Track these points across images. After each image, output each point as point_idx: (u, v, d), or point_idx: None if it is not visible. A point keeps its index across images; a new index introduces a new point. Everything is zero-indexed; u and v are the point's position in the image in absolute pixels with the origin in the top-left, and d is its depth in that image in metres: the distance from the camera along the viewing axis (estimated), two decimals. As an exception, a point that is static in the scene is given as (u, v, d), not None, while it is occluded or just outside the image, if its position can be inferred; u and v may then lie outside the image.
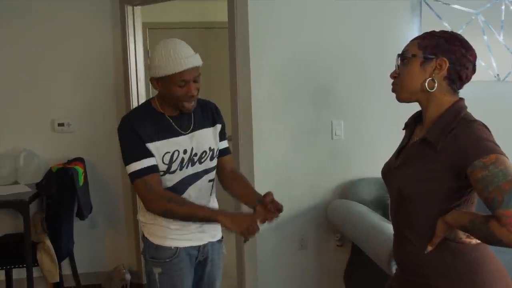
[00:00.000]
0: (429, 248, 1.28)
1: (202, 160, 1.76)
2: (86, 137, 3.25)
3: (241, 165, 2.71)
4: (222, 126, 1.87)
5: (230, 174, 1.89)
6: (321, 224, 2.87)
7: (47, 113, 3.21)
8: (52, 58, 3.16)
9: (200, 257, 1.82)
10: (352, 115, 2.84)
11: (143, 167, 1.63)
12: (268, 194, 1.69)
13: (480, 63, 2.84)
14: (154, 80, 1.66)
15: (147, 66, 1.70)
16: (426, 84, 1.29)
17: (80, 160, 3.10)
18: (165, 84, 1.64)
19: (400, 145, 1.47)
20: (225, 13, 2.74)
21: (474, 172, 1.13)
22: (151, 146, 1.65)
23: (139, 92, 3.29)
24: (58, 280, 2.82)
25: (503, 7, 2.88)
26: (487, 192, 1.10)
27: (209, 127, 1.81)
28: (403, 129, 1.50)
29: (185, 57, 1.61)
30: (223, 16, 2.83)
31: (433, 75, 1.28)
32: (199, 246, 1.79)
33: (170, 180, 1.70)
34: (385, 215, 2.60)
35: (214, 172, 1.84)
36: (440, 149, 1.23)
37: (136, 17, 3.25)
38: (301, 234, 2.86)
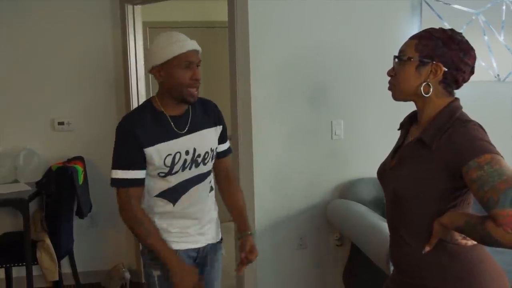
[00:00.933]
0: (427, 249, 1.27)
1: (206, 162, 1.73)
2: (86, 136, 3.25)
3: (240, 165, 2.71)
4: (223, 128, 1.84)
5: (226, 180, 1.90)
6: (320, 223, 2.87)
7: (47, 112, 3.21)
8: (52, 57, 3.17)
9: (200, 259, 1.80)
10: (352, 115, 2.83)
11: (131, 177, 1.60)
12: (244, 248, 1.77)
13: (480, 63, 2.85)
14: (156, 70, 1.61)
15: (145, 59, 1.68)
16: (422, 89, 1.28)
17: (80, 159, 3.10)
18: (168, 70, 1.59)
19: (395, 145, 1.46)
20: (225, 13, 2.73)
21: (469, 172, 1.13)
22: (151, 149, 1.60)
23: (139, 91, 3.29)
24: (57, 279, 2.82)
25: (503, 7, 2.87)
26: (482, 192, 1.09)
27: (211, 127, 1.78)
28: (398, 129, 1.49)
29: (186, 39, 1.60)
30: (224, 16, 2.83)
31: (428, 79, 1.27)
32: (199, 248, 1.78)
33: (172, 181, 1.67)
34: (384, 215, 2.59)
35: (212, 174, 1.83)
36: (435, 149, 1.23)
37: (137, 16, 3.25)
38: (300, 233, 2.86)
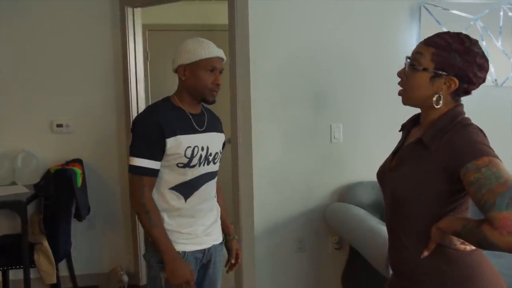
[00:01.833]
0: (425, 254, 1.27)
1: (216, 161, 1.83)
2: (85, 138, 3.24)
3: (240, 167, 2.71)
4: (225, 138, 1.95)
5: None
6: (319, 226, 2.88)
7: (46, 114, 3.20)
8: (51, 58, 3.16)
9: (204, 260, 1.84)
10: (351, 118, 2.85)
11: (147, 167, 1.68)
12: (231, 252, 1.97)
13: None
14: (182, 68, 1.72)
15: (173, 58, 1.76)
16: (434, 100, 1.27)
17: (78, 161, 3.10)
18: (193, 71, 1.70)
19: (396, 147, 1.46)
20: (225, 16, 2.74)
21: (467, 174, 1.13)
22: (173, 139, 1.67)
23: (139, 93, 3.29)
24: (55, 282, 2.81)
25: (501, 13, 2.90)
26: (479, 195, 1.09)
27: (220, 132, 1.90)
28: (400, 131, 1.49)
29: (215, 47, 1.74)
30: (223, 19, 2.84)
31: (441, 92, 1.27)
32: (205, 250, 1.82)
33: (189, 174, 1.74)
34: (382, 218, 2.60)
35: None
36: (434, 150, 1.23)
37: (136, 19, 3.25)
38: (299, 236, 2.87)
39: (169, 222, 1.73)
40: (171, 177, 1.72)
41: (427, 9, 2.79)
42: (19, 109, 3.17)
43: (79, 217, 2.98)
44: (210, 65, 1.70)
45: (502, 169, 1.10)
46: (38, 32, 3.13)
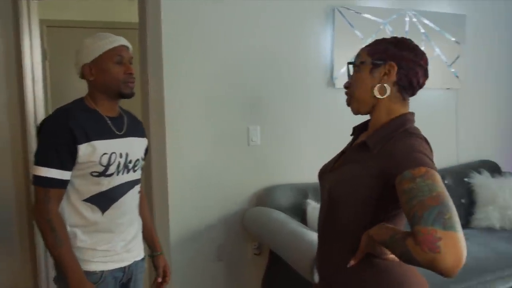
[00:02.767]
0: (352, 263, 1.22)
1: (136, 169, 1.65)
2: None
3: (153, 172, 2.54)
4: (148, 142, 1.78)
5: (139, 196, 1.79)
6: (239, 232, 2.78)
7: None
8: None
9: (125, 279, 1.65)
10: (268, 120, 2.79)
11: (55, 177, 1.47)
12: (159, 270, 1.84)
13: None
14: (87, 68, 1.56)
15: (75, 61, 1.57)
16: (376, 90, 1.25)
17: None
18: (100, 66, 1.55)
19: (343, 148, 1.43)
20: (129, 13, 2.55)
21: (402, 182, 1.08)
22: (86, 146, 1.49)
23: (36, 95, 2.95)
24: None
25: (407, 18, 3.03)
26: (410, 205, 1.03)
27: (141, 137, 1.72)
28: (351, 135, 1.46)
29: (114, 36, 1.59)
30: (128, 16, 2.64)
31: (383, 81, 1.25)
32: (125, 267, 1.63)
33: (105, 184, 1.55)
34: (303, 221, 2.58)
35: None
36: (375, 154, 1.20)
37: (32, 13, 2.93)
38: (218, 244, 2.75)
39: (83, 239, 1.53)
40: (84, 187, 1.53)
41: (340, 12, 2.82)
42: None
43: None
44: (116, 55, 1.55)
45: (437, 182, 1.06)
46: None
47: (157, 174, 2.54)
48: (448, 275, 0.95)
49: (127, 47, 1.61)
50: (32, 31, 2.93)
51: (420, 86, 1.29)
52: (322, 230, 1.36)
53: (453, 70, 3.20)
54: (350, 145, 1.41)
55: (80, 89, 1.78)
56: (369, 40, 2.90)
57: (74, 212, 1.53)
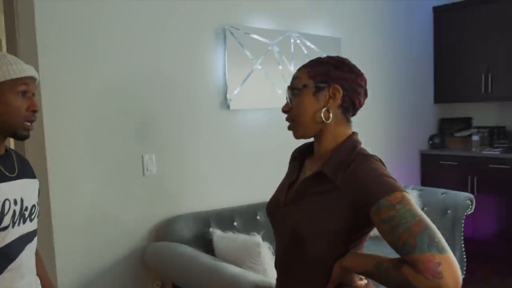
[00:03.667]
0: None
1: (32, 217, 1.36)
2: None
3: (35, 218, 2.14)
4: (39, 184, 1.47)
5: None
6: (139, 272, 2.50)
7: None
8: None
9: None
10: (164, 147, 2.59)
11: None
12: None
13: (277, 91, 3.00)
14: None
15: None
16: (322, 115, 1.19)
17: None
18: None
19: (286, 179, 1.33)
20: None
21: (380, 211, 1.04)
22: None
23: None
24: None
25: (292, 40, 3.10)
26: (396, 234, 1.01)
27: (33, 178, 1.42)
28: (290, 162, 1.37)
29: (23, 63, 1.32)
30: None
31: (328, 104, 1.19)
32: None
33: (1, 240, 1.23)
34: (209, 252, 2.42)
35: None
36: (339, 184, 1.13)
37: None
38: (117, 287, 2.43)
39: None
40: None
41: (231, 32, 2.77)
42: None
43: None
44: (20, 86, 1.28)
45: (414, 205, 1.04)
46: None
47: (39, 219, 2.15)
48: None
49: (34, 79, 1.35)
50: None
51: (361, 106, 1.27)
52: (284, 267, 1.26)
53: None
54: (295, 175, 1.31)
55: None
56: (260, 61, 2.91)
57: None
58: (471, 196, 3.25)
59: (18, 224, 1.28)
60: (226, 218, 2.68)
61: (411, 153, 4.30)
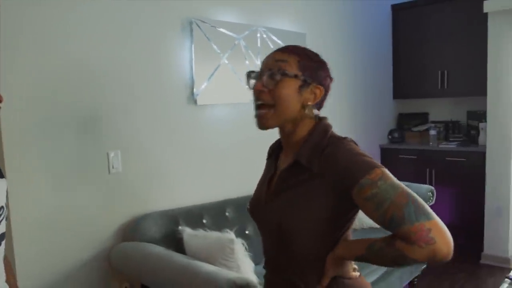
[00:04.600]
0: None
1: (0, 219, 1.23)
2: None
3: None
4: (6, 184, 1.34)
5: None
6: (105, 275, 2.40)
7: None
8: None
9: None
10: (129, 143, 2.49)
11: None
12: None
13: (244, 86, 2.95)
14: None
15: None
16: (306, 111, 1.16)
17: None
18: None
19: (265, 176, 1.29)
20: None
21: (363, 190, 1.02)
22: None
23: None
24: None
25: (258, 34, 3.07)
26: (382, 210, 1.00)
27: (0, 178, 1.28)
28: (266, 160, 1.34)
29: None
30: None
31: (309, 102, 1.16)
32: None
33: None
34: (179, 251, 2.35)
35: None
36: (317, 171, 1.10)
37: None
38: (82, 293, 2.32)
39: None
40: None
41: (198, 25, 2.70)
42: None
43: None
44: None
45: (394, 178, 1.04)
46: None
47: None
48: (447, 260, 0.96)
49: None
50: None
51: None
52: (274, 265, 1.23)
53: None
54: (273, 171, 1.26)
55: None
56: (226, 55, 2.86)
57: None
58: (432, 188, 3.35)
59: None
60: (195, 216, 2.62)
61: (372, 147, 4.39)
